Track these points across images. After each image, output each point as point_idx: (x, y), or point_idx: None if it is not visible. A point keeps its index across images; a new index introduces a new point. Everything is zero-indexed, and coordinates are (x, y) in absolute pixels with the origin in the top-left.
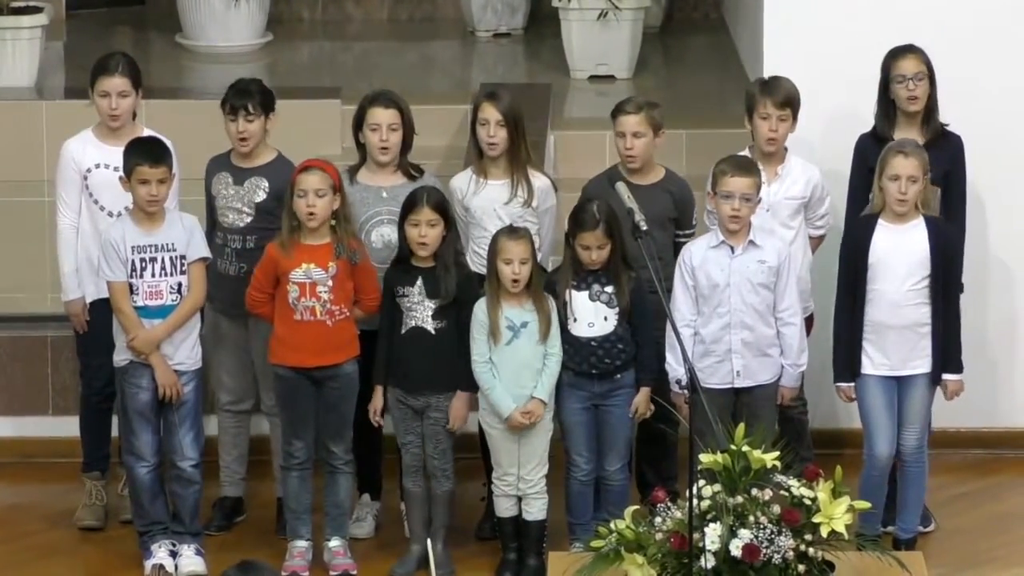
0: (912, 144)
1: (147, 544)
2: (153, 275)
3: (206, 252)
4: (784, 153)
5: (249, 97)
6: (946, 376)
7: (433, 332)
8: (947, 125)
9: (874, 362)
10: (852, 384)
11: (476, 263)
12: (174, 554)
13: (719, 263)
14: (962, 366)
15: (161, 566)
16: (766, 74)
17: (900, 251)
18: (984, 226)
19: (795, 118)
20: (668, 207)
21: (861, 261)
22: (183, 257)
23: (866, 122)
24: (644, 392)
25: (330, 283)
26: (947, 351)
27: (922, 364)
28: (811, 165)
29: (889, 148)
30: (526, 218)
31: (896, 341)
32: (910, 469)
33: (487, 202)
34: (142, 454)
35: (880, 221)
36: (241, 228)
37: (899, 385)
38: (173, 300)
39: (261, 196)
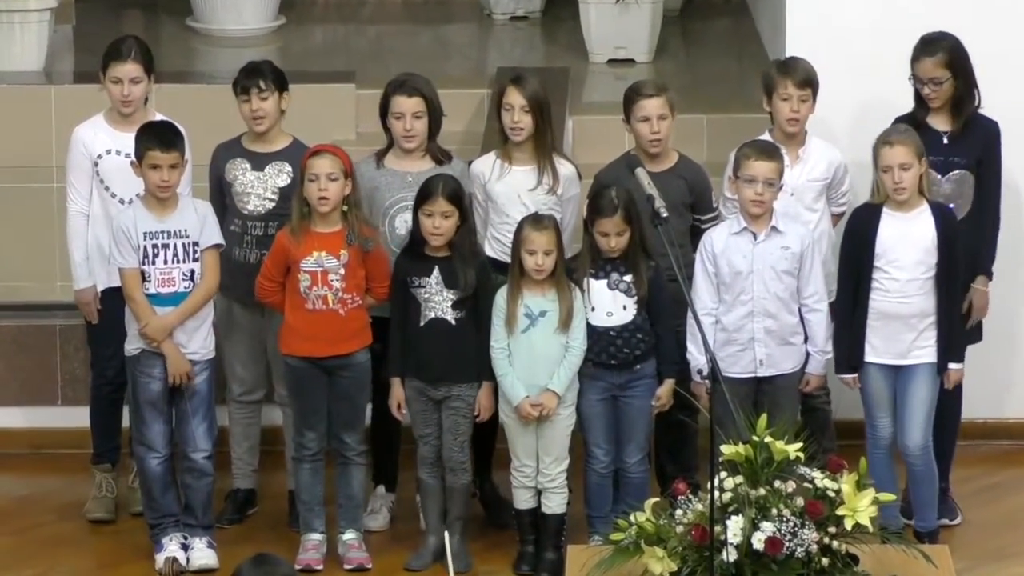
0: (899, 131)
1: (158, 537)
2: (165, 262)
3: (220, 239)
4: (804, 135)
5: (260, 75)
6: (951, 365)
7: (454, 323)
8: (978, 107)
9: (877, 350)
10: (855, 375)
11: (497, 250)
12: (186, 547)
13: (741, 250)
14: (963, 355)
15: (174, 559)
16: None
17: (908, 240)
18: (1019, 213)
19: (815, 98)
20: (683, 193)
21: (866, 251)
22: (196, 244)
23: (891, 106)
24: (668, 384)
25: (342, 271)
26: (952, 340)
27: (925, 354)
28: (832, 146)
29: (877, 139)
30: (550, 205)
31: (900, 330)
32: (918, 470)
33: (511, 188)
34: (153, 445)
35: (885, 210)
36: (263, 214)
37: (901, 375)
38: (186, 288)
39: (285, 180)
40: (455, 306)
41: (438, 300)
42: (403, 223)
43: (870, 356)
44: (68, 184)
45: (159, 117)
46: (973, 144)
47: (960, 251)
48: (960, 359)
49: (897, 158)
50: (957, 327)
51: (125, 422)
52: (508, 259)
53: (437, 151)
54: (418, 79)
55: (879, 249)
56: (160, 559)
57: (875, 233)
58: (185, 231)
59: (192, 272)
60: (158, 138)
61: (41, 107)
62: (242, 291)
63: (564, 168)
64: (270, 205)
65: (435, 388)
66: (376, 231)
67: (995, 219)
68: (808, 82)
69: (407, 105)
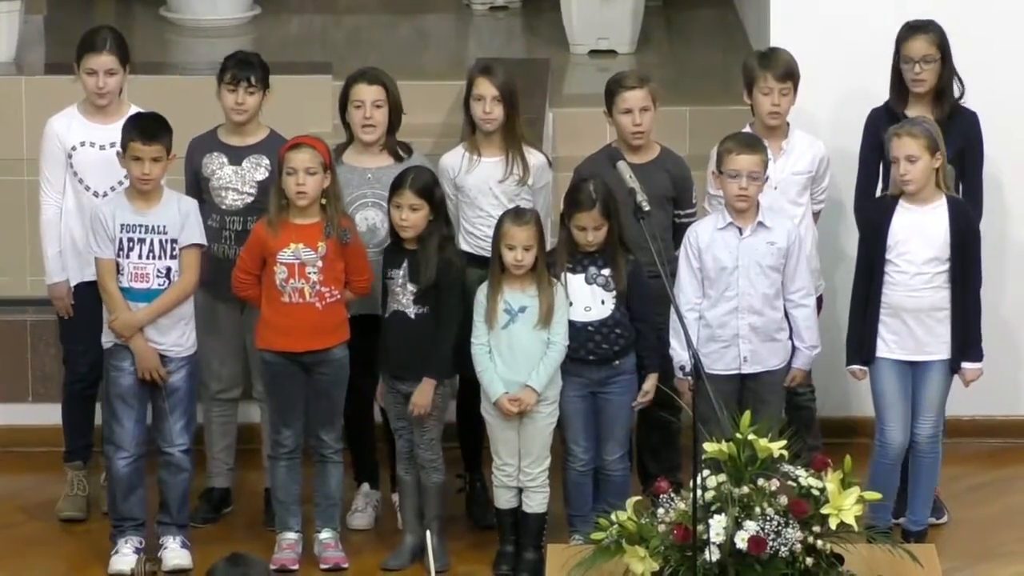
0: (910, 123)
1: (114, 538)
2: (140, 256)
3: (201, 239)
4: (787, 128)
5: (252, 69)
6: (965, 364)
7: (413, 317)
8: (961, 98)
9: (889, 346)
10: (864, 368)
11: (470, 243)
12: (139, 551)
13: (727, 245)
14: (982, 353)
15: (146, 559)
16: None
17: (921, 233)
18: (1003, 207)
19: (796, 90)
20: (666, 186)
21: (879, 242)
22: (174, 241)
23: (875, 97)
24: (652, 378)
25: (320, 264)
26: (967, 337)
27: (939, 350)
28: (816, 139)
29: (888, 131)
30: (522, 196)
31: (913, 325)
32: (923, 460)
33: (481, 180)
34: (121, 443)
35: (900, 202)
36: (242, 209)
37: (914, 371)
38: (160, 284)
39: (263, 174)
40: (416, 300)
41: (401, 293)
42: (363, 220)
43: (882, 352)
44: (41, 176)
45: (134, 109)
46: (954, 136)
47: (978, 248)
48: (978, 358)
49: (904, 150)
50: (973, 325)
51: (98, 419)
52: (484, 252)
53: (396, 146)
54: (378, 70)
55: (890, 241)
56: (113, 562)
57: (888, 225)
58: (164, 227)
59: (168, 269)
60: (140, 130)
61: (11, 99)
62: (221, 287)
63: (534, 158)
64: (249, 200)
65: (401, 383)
66: (354, 223)
67: (978, 213)
68: (789, 75)
69: (367, 93)
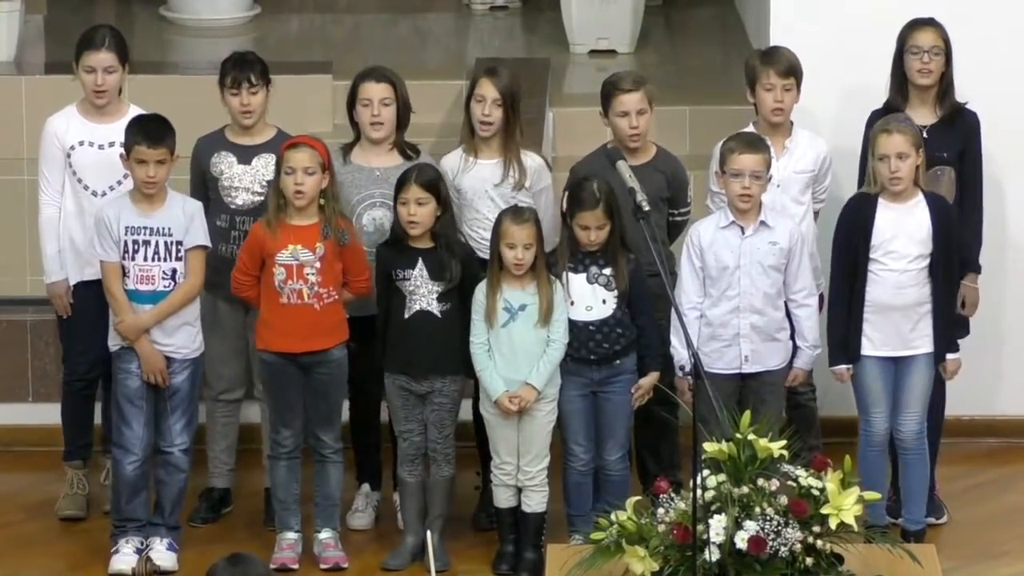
0: (896, 120)
1: (116, 538)
2: (145, 259)
3: (205, 241)
4: (790, 127)
5: (251, 67)
6: (948, 356)
7: (439, 315)
8: (966, 103)
9: (874, 344)
10: (850, 367)
11: (471, 245)
12: (140, 551)
13: (729, 244)
14: (958, 344)
15: (148, 559)
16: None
17: (904, 230)
18: (1002, 208)
19: (799, 87)
20: (661, 186)
21: (862, 241)
22: (180, 243)
23: (876, 96)
24: (652, 376)
25: (318, 265)
26: (948, 330)
27: (923, 344)
28: (818, 138)
29: (874, 128)
30: (520, 199)
31: (898, 321)
32: (911, 457)
33: (478, 182)
34: (131, 447)
35: (880, 200)
36: (252, 209)
37: (899, 366)
38: (165, 286)
39: (273, 173)
40: (440, 298)
41: (423, 292)
42: (371, 220)
43: (867, 349)
44: (40, 176)
45: (133, 108)
46: (955, 136)
47: (955, 241)
48: (956, 349)
49: (895, 147)
50: (953, 317)
51: (97, 419)
52: (481, 255)
53: (404, 145)
54: (386, 68)
55: (875, 240)
56: (114, 561)
57: (871, 224)
58: (169, 229)
59: (174, 271)
60: (145, 133)
61: (12, 98)
62: (226, 288)
63: (531, 160)
64: (259, 199)
65: (419, 383)
66: (352, 224)
67: (979, 214)
68: (791, 71)
69: (375, 91)
